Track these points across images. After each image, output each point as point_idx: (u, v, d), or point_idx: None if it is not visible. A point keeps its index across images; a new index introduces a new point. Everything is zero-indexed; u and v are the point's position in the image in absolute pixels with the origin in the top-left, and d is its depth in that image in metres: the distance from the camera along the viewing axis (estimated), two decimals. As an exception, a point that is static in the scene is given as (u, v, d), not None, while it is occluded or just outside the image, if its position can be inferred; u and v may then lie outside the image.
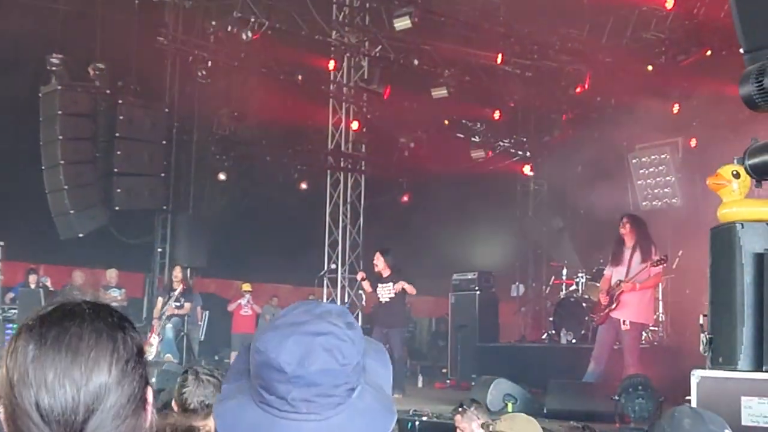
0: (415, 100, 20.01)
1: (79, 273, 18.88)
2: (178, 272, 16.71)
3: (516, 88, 19.46)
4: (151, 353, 15.92)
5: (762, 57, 6.68)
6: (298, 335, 1.55)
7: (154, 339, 16.06)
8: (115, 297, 18.42)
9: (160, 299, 16.59)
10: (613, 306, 11.52)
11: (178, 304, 16.25)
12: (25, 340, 1.48)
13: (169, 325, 16.29)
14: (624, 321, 11.44)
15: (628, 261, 11.56)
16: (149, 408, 1.60)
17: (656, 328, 14.68)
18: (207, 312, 20.32)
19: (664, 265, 11.67)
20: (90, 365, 1.48)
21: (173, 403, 4.77)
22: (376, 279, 14.09)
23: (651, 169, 16.75)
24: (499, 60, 17.81)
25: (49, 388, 1.44)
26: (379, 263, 13.87)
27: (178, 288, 16.39)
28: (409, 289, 13.67)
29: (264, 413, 1.56)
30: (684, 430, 2.72)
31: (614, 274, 11.73)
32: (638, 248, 11.51)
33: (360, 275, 14.68)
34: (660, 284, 13.86)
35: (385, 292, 13.69)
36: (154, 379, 13.56)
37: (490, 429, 4.80)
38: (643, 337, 13.30)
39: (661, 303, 14.81)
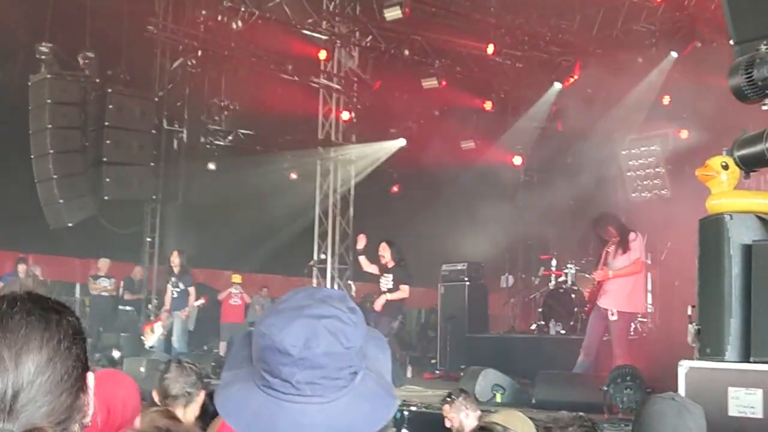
0: (406, 90, 20.01)
1: (138, 269, 19.04)
2: (175, 257, 16.62)
3: (507, 79, 19.48)
4: (152, 340, 15.96)
5: (751, 48, 6.70)
6: (303, 318, 1.56)
7: (157, 327, 16.06)
8: (105, 287, 18.42)
9: (169, 287, 16.48)
10: (597, 291, 11.62)
11: (177, 289, 16.20)
12: None
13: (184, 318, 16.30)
14: (612, 312, 11.46)
15: (613, 256, 11.59)
16: (89, 392, 1.62)
17: (645, 320, 14.71)
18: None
19: (627, 252, 11.55)
20: (20, 343, 1.50)
21: (154, 392, 4.75)
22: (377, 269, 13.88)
23: (641, 161, 16.75)
24: (490, 51, 17.81)
25: None
26: (386, 254, 13.64)
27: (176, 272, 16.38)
28: (403, 293, 13.45)
29: (268, 397, 1.57)
30: (666, 417, 2.73)
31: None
32: (620, 245, 11.54)
33: (361, 240, 14.10)
34: (646, 275, 13.76)
35: (385, 283, 13.49)
36: (143, 368, 13.60)
37: (485, 420, 4.80)
38: (632, 329, 13.33)
39: (650, 294, 14.83)
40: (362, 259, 13.82)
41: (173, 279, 16.30)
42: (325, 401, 1.55)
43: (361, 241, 13.84)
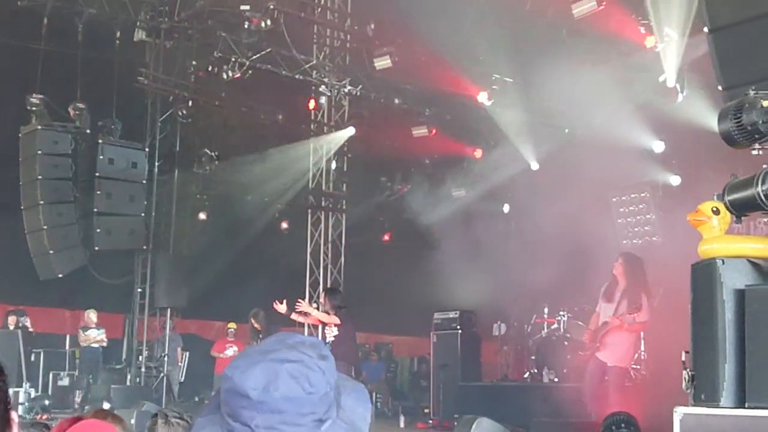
0: (396, 139, 20.06)
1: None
2: (255, 321, 16.42)
3: (496, 127, 19.53)
4: None
5: (740, 94, 6.73)
6: (266, 362, 1.54)
7: None
8: (95, 338, 18.27)
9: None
10: (597, 345, 11.53)
11: None
12: None
13: None
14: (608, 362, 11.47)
15: (618, 303, 11.49)
16: (14, 427, 1.67)
17: (639, 366, 14.64)
18: (187, 353, 20.15)
19: (638, 313, 11.46)
20: None
21: None
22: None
23: (631, 208, 16.78)
24: (482, 98, 17.88)
25: None
26: (326, 303, 13.72)
27: None
28: (325, 318, 13.38)
29: None
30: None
31: (603, 310, 11.68)
32: (627, 295, 11.43)
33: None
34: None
35: (330, 332, 13.41)
36: (133, 420, 13.46)
37: None
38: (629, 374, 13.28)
39: (643, 341, 14.75)
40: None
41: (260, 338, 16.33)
42: None
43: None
